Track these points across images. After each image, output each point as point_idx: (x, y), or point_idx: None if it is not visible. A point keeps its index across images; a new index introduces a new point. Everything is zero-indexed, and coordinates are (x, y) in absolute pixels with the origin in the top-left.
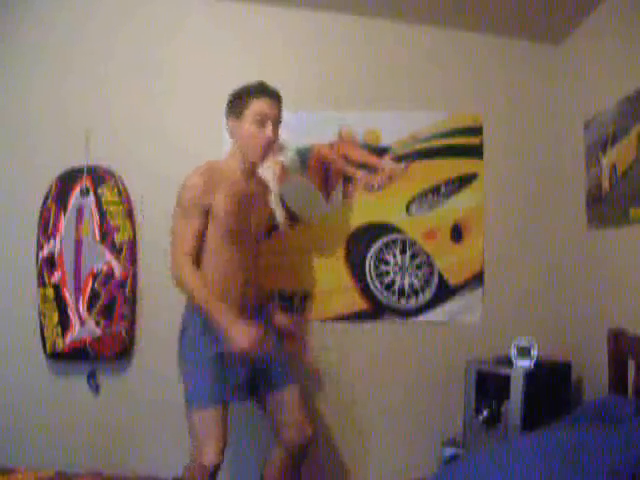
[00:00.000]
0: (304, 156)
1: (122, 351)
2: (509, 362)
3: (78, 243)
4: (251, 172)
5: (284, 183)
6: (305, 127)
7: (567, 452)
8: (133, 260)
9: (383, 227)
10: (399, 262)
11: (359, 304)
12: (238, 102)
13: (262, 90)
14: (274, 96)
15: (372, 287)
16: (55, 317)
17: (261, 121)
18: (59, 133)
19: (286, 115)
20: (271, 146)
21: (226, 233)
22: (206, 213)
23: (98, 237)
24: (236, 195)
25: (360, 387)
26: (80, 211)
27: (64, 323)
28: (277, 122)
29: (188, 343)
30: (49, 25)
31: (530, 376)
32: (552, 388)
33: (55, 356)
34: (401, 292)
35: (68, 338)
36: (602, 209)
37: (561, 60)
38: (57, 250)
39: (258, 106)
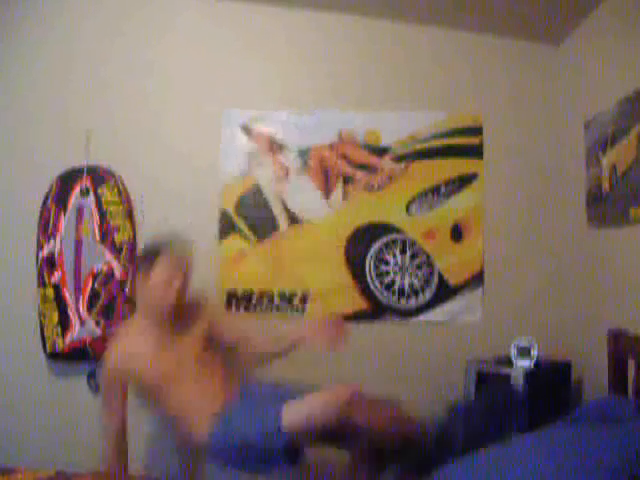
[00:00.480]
0: (304, 156)
1: None
2: (509, 362)
3: (78, 243)
4: (167, 315)
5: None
6: (305, 127)
7: (567, 452)
8: (133, 260)
9: (383, 227)
10: (399, 262)
11: (359, 304)
12: (147, 259)
13: (169, 247)
14: (181, 250)
15: (372, 287)
16: (55, 317)
17: (169, 279)
18: (59, 133)
19: (286, 115)
20: (181, 295)
21: (163, 385)
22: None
23: (98, 237)
24: (154, 356)
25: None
26: (80, 211)
27: (64, 323)
28: (184, 276)
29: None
30: (49, 25)
31: (530, 376)
32: (552, 388)
33: (55, 356)
34: (401, 292)
35: (68, 338)
36: (602, 209)
37: (561, 60)
38: (57, 250)
39: (162, 265)
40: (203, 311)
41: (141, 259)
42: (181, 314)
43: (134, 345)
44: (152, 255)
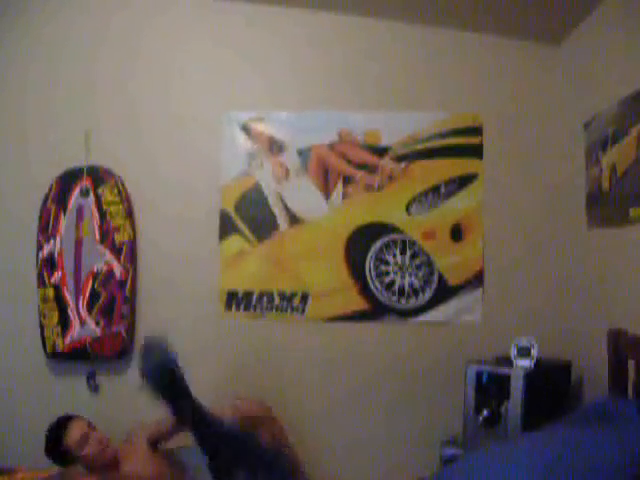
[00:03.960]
0: (304, 156)
1: (122, 351)
2: (509, 362)
3: (78, 243)
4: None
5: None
6: (305, 127)
7: (567, 452)
8: (133, 260)
9: (383, 227)
10: (399, 262)
11: (359, 304)
12: (59, 450)
13: (67, 420)
14: (77, 417)
15: (372, 287)
16: (55, 317)
17: (83, 440)
18: (59, 133)
19: (286, 115)
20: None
21: None
22: None
23: (98, 237)
24: None
25: (359, 387)
26: (80, 211)
27: (64, 323)
28: (91, 432)
29: None
30: (49, 25)
31: (530, 376)
32: (552, 388)
33: (55, 356)
34: (401, 292)
35: (68, 338)
36: (602, 209)
37: (561, 60)
38: (57, 250)
39: (72, 436)
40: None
41: (55, 451)
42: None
43: None
44: (59, 433)
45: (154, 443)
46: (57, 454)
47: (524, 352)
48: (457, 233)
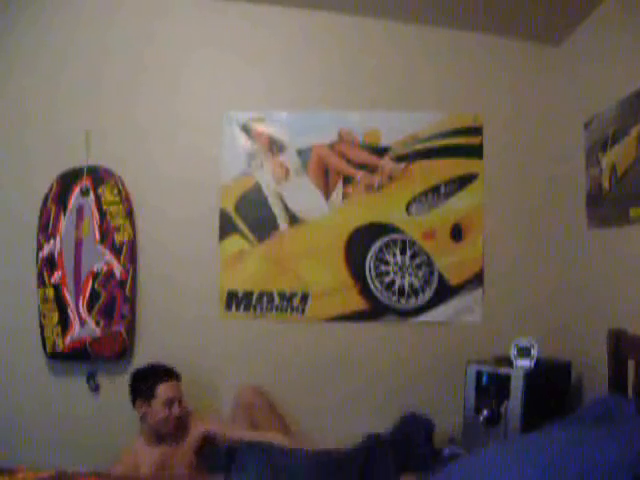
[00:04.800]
0: (304, 156)
1: (122, 351)
2: (509, 362)
3: (78, 243)
4: (165, 434)
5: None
6: (305, 127)
7: (567, 452)
8: (133, 260)
9: (383, 227)
10: (399, 262)
11: (359, 304)
12: (145, 387)
13: (166, 374)
14: (176, 377)
15: (372, 287)
16: (55, 317)
17: (170, 403)
18: (59, 133)
19: (286, 115)
20: (181, 420)
21: None
22: None
23: (98, 237)
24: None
25: (360, 387)
26: (80, 211)
27: (64, 323)
28: (182, 399)
29: None
30: (48, 25)
31: (530, 376)
32: (552, 388)
33: (55, 356)
34: (401, 292)
35: (68, 338)
36: (602, 209)
37: (561, 60)
38: (57, 250)
39: (165, 391)
40: (194, 426)
41: (142, 385)
42: (179, 433)
43: (141, 456)
44: (152, 382)
45: (208, 439)
46: (139, 392)
47: (524, 352)
48: (457, 233)
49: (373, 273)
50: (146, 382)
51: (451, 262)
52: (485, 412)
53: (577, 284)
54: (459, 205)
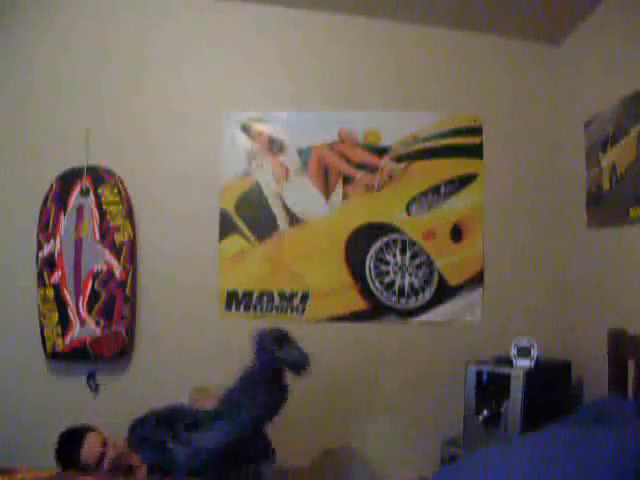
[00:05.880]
0: (304, 156)
1: (122, 351)
2: (509, 362)
3: (78, 243)
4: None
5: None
6: (305, 127)
7: (567, 452)
8: (133, 260)
9: (383, 227)
10: (399, 262)
11: (359, 304)
12: (69, 452)
13: (86, 430)
14: (93, 432)
15: (372, 287)
16: (55, 317)
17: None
18: (59, 133)
19: (286, 115)
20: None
21: None
22: None
23: (98, 237)
24: None
25: (360, 387)
26: (80, 211)
27: (64, 323)
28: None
29: None
30: (48, 25)
31: (530, 376)
32: (552, 388)
33: (55, 356)
34: (401, 292)
35: (68, 338)
36: (602, 209)
37: (561, 60)
38: (57, 250)
39: (88, 444)
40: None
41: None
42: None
43: None
44: (76, 440)
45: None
46: (69, 465)
47: (524, 352)
48: (457, 233)
49: (373, 273)
50: (69, 458)
51: (451, 262)
52: (485, 412)
53: (577, 284)
54: (459, 205)
